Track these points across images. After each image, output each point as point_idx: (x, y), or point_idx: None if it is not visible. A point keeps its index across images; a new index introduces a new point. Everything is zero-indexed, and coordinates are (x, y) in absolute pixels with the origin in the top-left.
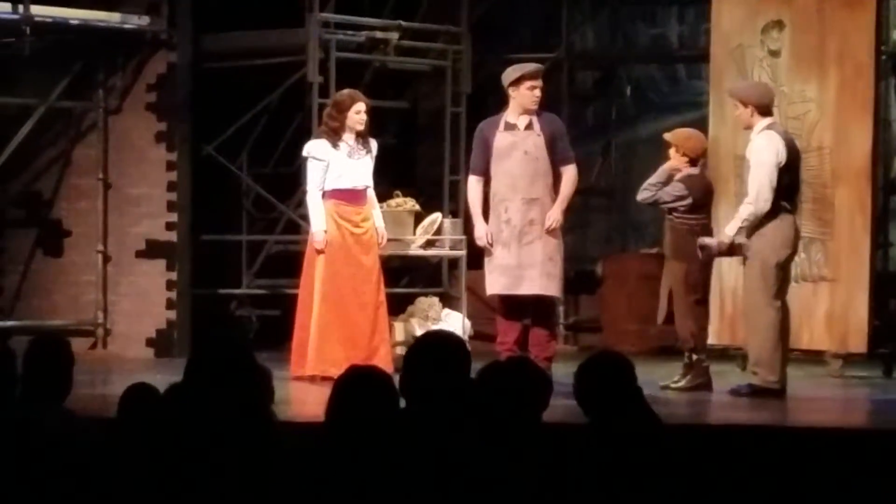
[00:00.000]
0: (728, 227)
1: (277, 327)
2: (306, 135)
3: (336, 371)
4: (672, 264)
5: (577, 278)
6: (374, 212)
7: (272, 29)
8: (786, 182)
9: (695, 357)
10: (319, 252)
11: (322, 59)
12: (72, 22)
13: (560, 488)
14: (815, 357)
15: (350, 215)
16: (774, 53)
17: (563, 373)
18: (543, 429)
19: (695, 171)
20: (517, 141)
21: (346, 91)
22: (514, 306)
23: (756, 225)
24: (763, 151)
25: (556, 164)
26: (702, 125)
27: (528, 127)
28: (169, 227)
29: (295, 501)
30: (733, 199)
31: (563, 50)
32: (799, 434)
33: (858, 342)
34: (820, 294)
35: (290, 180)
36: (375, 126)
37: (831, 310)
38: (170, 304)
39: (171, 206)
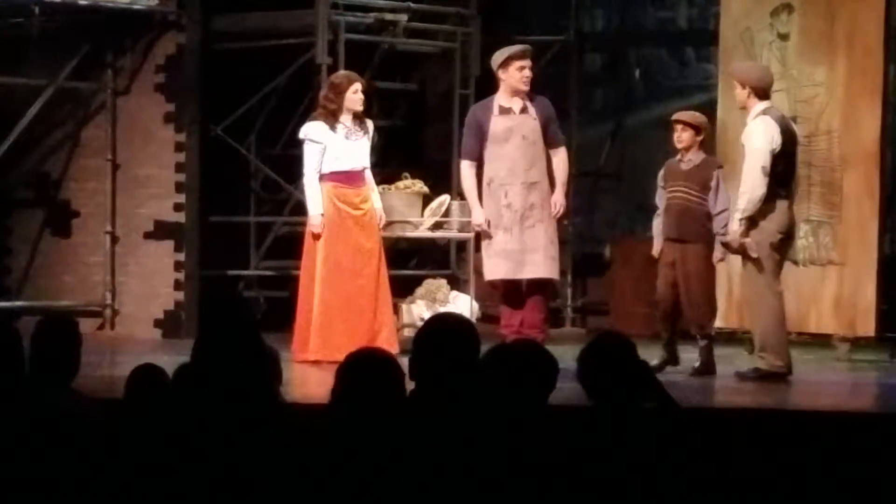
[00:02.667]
0: (732, 223)
1: (285, 309)
2: None
3: (339, 355)
4: (695, 248)
5: (585, 261)
6: (373, 194)
7: (281, 10)
8: (780, 168)
9: (703, 342)
10: (317, 236)
11: (331, 40)
12: (81, 2)
13: (566, 470)
14: (822, 341)
15: (349, 197)
16: (783, 37)
17: (570, 355)
18: (549, 411)
19: (711, 157)
20: (514, 125)
21: (342, 72)
22: (516, 289)
23: (752, 215)
24: (757, 137)
25: (547, 146)
26: (710, 108)
27: (524, 111)
28: (177, 208)
29: (302, 484)
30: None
31: (572, 33)
32: (806, 417)
33: (866, 326)
34: (828, 278)
35: (299, 162)
36: (384, 108)
37: (839, 293)
38: (177, 286)
39: (179, 188)
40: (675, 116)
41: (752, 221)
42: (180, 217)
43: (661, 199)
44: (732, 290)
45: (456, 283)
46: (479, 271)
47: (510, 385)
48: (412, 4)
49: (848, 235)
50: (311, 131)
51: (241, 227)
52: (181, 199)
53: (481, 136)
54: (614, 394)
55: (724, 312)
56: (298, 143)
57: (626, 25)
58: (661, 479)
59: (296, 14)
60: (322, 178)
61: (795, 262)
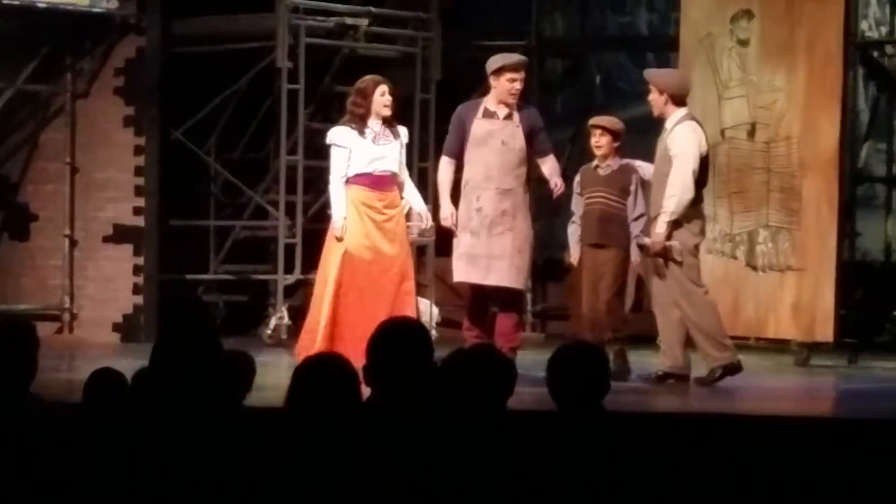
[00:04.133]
0: (657, 226)
1: (244, 313)
2: (275, 120)
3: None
4: (614, 252)
5: (545, 266)
6: (413, 196)
7: (242, 14)
8: (700, 174)
9: (616, 346)
10: (339, 239)
11: (291, 44)
12: (40, 5)
13: (528, 475)
14: (781, 346)
15: (372, 201)
16: (743, 43)
17: (530, 361)
18: (510, 417)
19: (629, 161)
20: (495, 130)
21: (367, 77)
22: (481, 294)
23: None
24: (687, 142)
25: (536, 155)
26: None
27: (508, 117)
28: (136, 211)
29: (259, 488)
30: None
31: (533, 38)
32: (764, 423)
33: (825, 331)
34: (787, 283)
35: (259, 166)
36: (344, 112)
37: (798, 299)
38: (136, 289)
39: (138, 191)
40: (592, 121)
41: (674, 224)
42: (139, 221)
43: (577, 205)
44: None
45: (416, 288)
46: (439, 276)
47: (467, 390)
48: (373, 9)
49: (807, 241)
50: (337, 136)
51: (201, 231)
52: (140, 202)
53: (463, 135)
54: (582, 400)
55: None
56: (258, 147)
57: (586, 31)
58: (621, 485)
59: (256, 18)
60: (347, 181)
61: (754, 268)
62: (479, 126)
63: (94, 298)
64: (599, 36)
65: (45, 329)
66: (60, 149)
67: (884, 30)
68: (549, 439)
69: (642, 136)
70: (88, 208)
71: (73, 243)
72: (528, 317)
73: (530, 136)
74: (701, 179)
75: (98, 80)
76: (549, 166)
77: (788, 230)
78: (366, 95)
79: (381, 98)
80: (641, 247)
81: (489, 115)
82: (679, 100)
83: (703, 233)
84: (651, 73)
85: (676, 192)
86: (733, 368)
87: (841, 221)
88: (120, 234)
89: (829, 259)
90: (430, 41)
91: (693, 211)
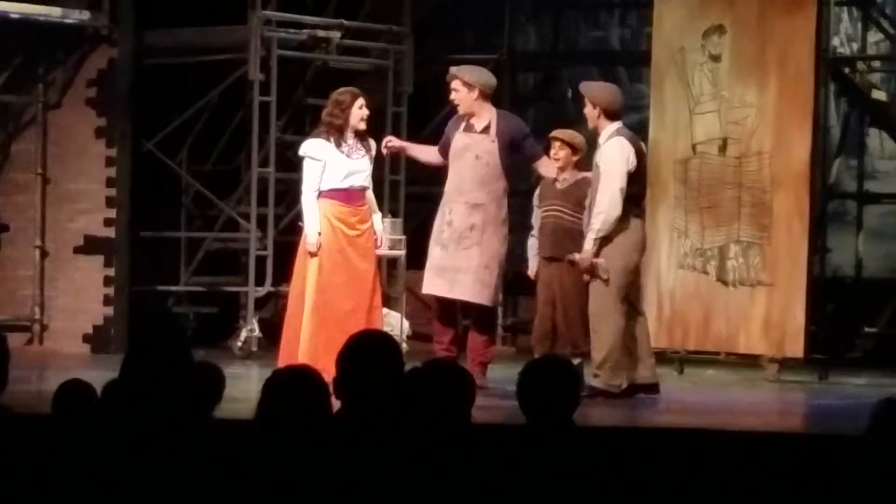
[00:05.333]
0: (586, 242)
1: (214, 325)
2: (247, 132)
3: (326, 377)
4: (570, 266)
5: (516, 279)
6: (375, 216)
7: (214, 26)
8: (635, 189)
9: (577, 360)
10: (312, 255)
11: (263, 56)
12: (12, 15)
13: (495, 491)
14: (751, 361)
15: (346, 216)
16: (715, 58)
17: (500, 375)
18: (476, 430)
19: (585, 174)
20: (471, 143)
21: (345, 89)
22: (449, 307)
23: (607, 234)
24: (614, 159)
25: (530, 161)
26: (642, 128)
27: (485, 130)
28: (107, 223)
29: (229, 500)
30: (672, 202)
31: (506, 51)
32: (733, 438)
33: (795, 347)
34: (757, 298)
35: (230, 178)
36: (316, 125)
37: (768, 314)
38: (107, 301)
39: (109, 202)
40: (552, 134)
41: (606, 241)
42: (110, 232)
43: (536, 218)
44: (663, 311)
45: (387, 301)
46: (409, 289)
47: (425, 407)
48: (345, 22)
49: (778, 256)
50: (312, 148)
51: (172, 242)
52: (111, 213)
53: (447, 143)
54: (553, 414)
55: (653, 332)
56: (230, 159)
57: (559, 45)
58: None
59: (228, 30)
60: (320, 195)
61: (725, 283)
62: (458, 139)
63: (65, 309)
64: (572, 50)
65: (15, 340)
66: (32, 159)
67: (855, 46)
68: (517, 453)
69: None
70: (60, 219)
71: (44, 254)
72: (500, 331)
73: (513, 146)
74: (637, 194)
75: (70, 91)
76: (545, 169)
77: (759, 245)
78: (344, 108)
79: (360, 111)
80: (571, 262)
81: (469, 128)
82: (612, 114)
83: (639, 251)
84: (585, 87)
85: (603, 209)
86: (611, 395)
87: (812, 237)
88: (91, 245)
89: (800, 275)
90: (402, 54)
91: (625, 227)
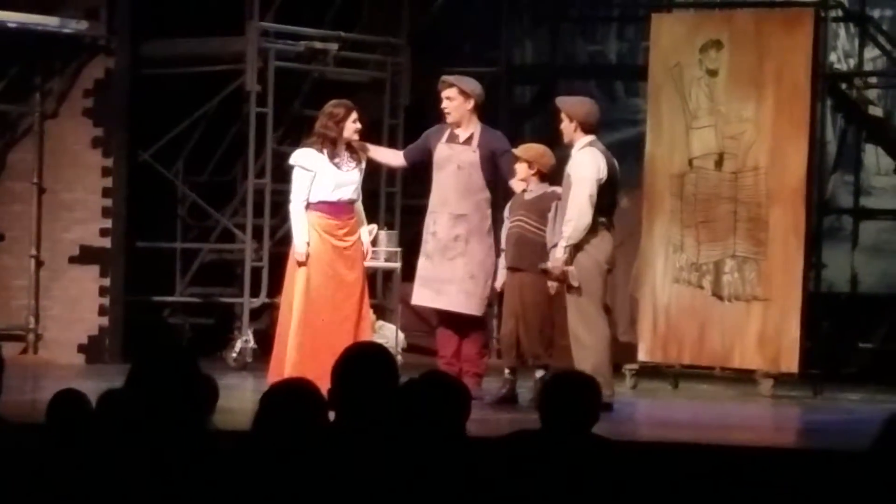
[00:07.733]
0: (557, 250)
1: (210, 336)
2: (243, 144)
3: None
4: (532, 277)
5: None
6: (362, 228)
7: (211, 37)
8: (606, 200)
9: (540, 372)
10: (301, 265)
11: (261, 68)
12: (9, 25)
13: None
14: (746, 376)
15: (334, 230)
16: (712, 73)
17: (496, 386)
18: (472, 442)
19: (554, 188)
20: (453, 154)
21: (338, 101)
22: (448, 319)
23: (577, 243)
24: (584, 167)
25: (505, 178)
26: (639, 142)
27: (467, 141)
28: (103, 233)
29: None
30: (668, 217)
31: (503, 64)
32: (728, 453)
33: (790, 362)
34: (752, 313)
35: (226, 189)
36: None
37: (763, 329)
38: (102, 311)
39: (105, 212)
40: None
41: (576, 250)
42: (106, 242)
43: (505, 230)
44: (658, 325)
45: (382, 313)
46: (405, 301)
47: (421, 417)
48: (343, 33)
49: (773, 272)
50: (303, 158)
51: (167, 253)
52: (107, 224)
53: (423, 152)
54: (572, 425)
55: (648, 346)
56: (226, 170)
57: (556, 58)
58: None
59: (226, 41)
60: (308, 206)
61: (720, 298)
62: (440, 150)
63: (60, 319)
64: (569, 64)
65: (9, 350)
66: (28, 169)
67: (852, 62)
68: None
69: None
70: (55, 229)
71: (40, 264)
72: (494, 343)
73: (491, 160)
74: (608, 206)
75: (67, 101)
76: (514, 184)
77: (755, 260)
78: (338, 121)
79: (353, 125)
80: (543, 271)
81: (452, 139)
82: (588, 127)
83: (609, 262)
84: (562, 101)
85: (573, 216)
86: (608, 406)
87: (807, 252)
88: (86, 255)
89: (795, 290)
90: (399, 66)
91: (594, 237)
